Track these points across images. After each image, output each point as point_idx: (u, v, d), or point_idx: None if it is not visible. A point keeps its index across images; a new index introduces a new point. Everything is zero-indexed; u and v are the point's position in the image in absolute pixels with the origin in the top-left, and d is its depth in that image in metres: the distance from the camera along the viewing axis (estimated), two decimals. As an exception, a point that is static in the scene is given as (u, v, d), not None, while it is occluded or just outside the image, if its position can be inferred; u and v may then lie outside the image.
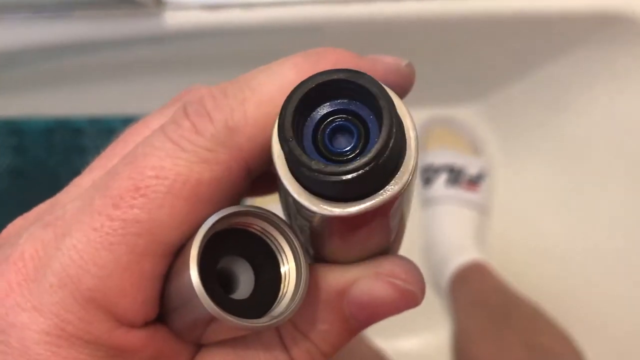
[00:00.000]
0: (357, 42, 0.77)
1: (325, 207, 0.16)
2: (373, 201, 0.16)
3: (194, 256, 0.16)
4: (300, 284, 0.17)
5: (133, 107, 0.82)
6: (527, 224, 0.85)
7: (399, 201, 0.16)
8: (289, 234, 0.18)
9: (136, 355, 0.17)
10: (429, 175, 0.87)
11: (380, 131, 0.15)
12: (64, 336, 0.16)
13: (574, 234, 0.80)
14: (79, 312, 0.16)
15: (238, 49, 0.66)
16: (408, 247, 0.77)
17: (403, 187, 0.16)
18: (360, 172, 0.15)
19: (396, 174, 0.16)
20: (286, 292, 0.17)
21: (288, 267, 0.18)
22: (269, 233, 0.18)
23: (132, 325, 0.17)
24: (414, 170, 0.16)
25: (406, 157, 0.16)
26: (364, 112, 0.16)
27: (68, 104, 0.82)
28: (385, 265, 0.18)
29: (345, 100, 0.16)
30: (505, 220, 0.87)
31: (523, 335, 0.69)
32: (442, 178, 0.86)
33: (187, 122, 0.17)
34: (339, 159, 0.16)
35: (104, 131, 0.88)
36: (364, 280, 0.18)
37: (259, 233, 0.18)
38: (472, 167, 0.87)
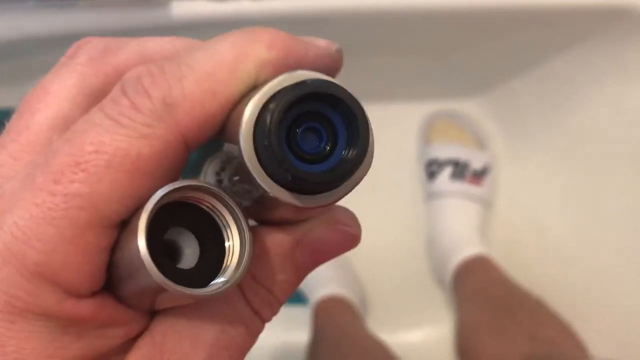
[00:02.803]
0: (364, 35, 0.77)
1: (300, 200, 0.18)
2: (335, 196, 0.18)
3: (142, 227, 0.17)
4: (244, 255, 0.18)
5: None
6: (530, 219, 0.85)
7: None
8: (236, 210, 0.18)
9: (88, 324, 0.18)
10: (433, 169, 0.87)
11: (355, 138, 0.18)
12: (15, 312, 0.17)
13: (577, 229, 0.80)
14: (27, 286, 0.17)
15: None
16: (412, 240, 0.77)
17: (361, 178, 0.19)
18: (344, 173, 0.17)
19: (358, 169, 0.18)
20: (230, 263, 0.18)
21: (232, 241, 0.18)
22: (215, 208, 0.18)
23: (80, 296, 0.17)
24: (370, 161, 0.18)
25: (367, 154, 0.18)
26: (332, 114, 0.18)
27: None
28: (333, 215, 0.20)
29: (314, 103, 0.18)
30: (508, 214, 0.87)
31: (526, 327, 0.70)
32: (447, 172, 0.86)
33: (125, 100, 0.17)
34: (310, 157, 0.18)
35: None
36: (315, 230, 0.20)
37: (206, 208, 0.18)
38: (476, 162, 0.87)
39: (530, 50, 0.81)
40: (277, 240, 0.20)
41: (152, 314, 0.19)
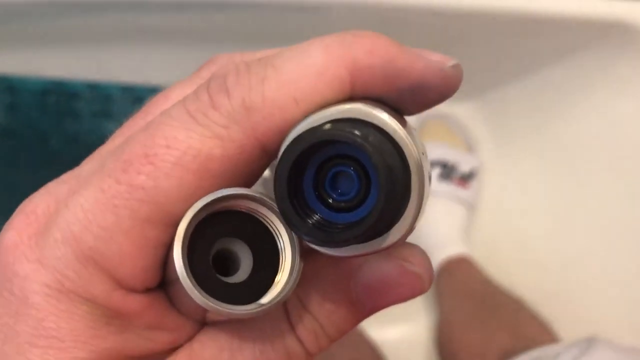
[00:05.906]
0: (358, 29, 0.77)
1: (324, 250, 0.16)
2: (366, 249, 0.16)
3: (179, 236, 0.16)
4: (293, 273, 0.17)
5: (133, 76, 0.81)
6: (513, 223, 0.86)
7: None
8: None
9: (134, 320, 0.17)
10: (421, 168, 0.88)
11: (377, 198, 0.15)
12: (64, 291, 0.17)
13: (558, 236, 0.81)
14: (79, 269, 0.17)
15: (253, 24, 0.64)
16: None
17: (404, 235, 0.16)
18: (348, 243, 0.15)
19: (398, 221, 0.16)
20: (281, 278, 0.17)
21: (285, 254, 0.17)
22: (268, 218, 0.17)
23: (130, 290, 0.17)
24: (418, 214, 0.16)
25: (409, 206, 0.16)
26: (364, 159, 0.15)
27: (67, 66, 0.81)
28: (396, 250, 0.18)
29: (346, 146, 0.15)
30: (492, 218, 0.88)
31: (508, 324, 0.70)
32: (435, 172, 0.87)
33: (206, 95, 0.17)
34: (340, 205, 0.16)
35: (100, 97, 0.86)
36: (373, 260, 0.18)
37: (259, 217, 0.17)
38: (464, 164, 0.88)
39: (525, 58, 0.81)
40: (327, 264, 0.18)
41: (201, 326, 0.18)
